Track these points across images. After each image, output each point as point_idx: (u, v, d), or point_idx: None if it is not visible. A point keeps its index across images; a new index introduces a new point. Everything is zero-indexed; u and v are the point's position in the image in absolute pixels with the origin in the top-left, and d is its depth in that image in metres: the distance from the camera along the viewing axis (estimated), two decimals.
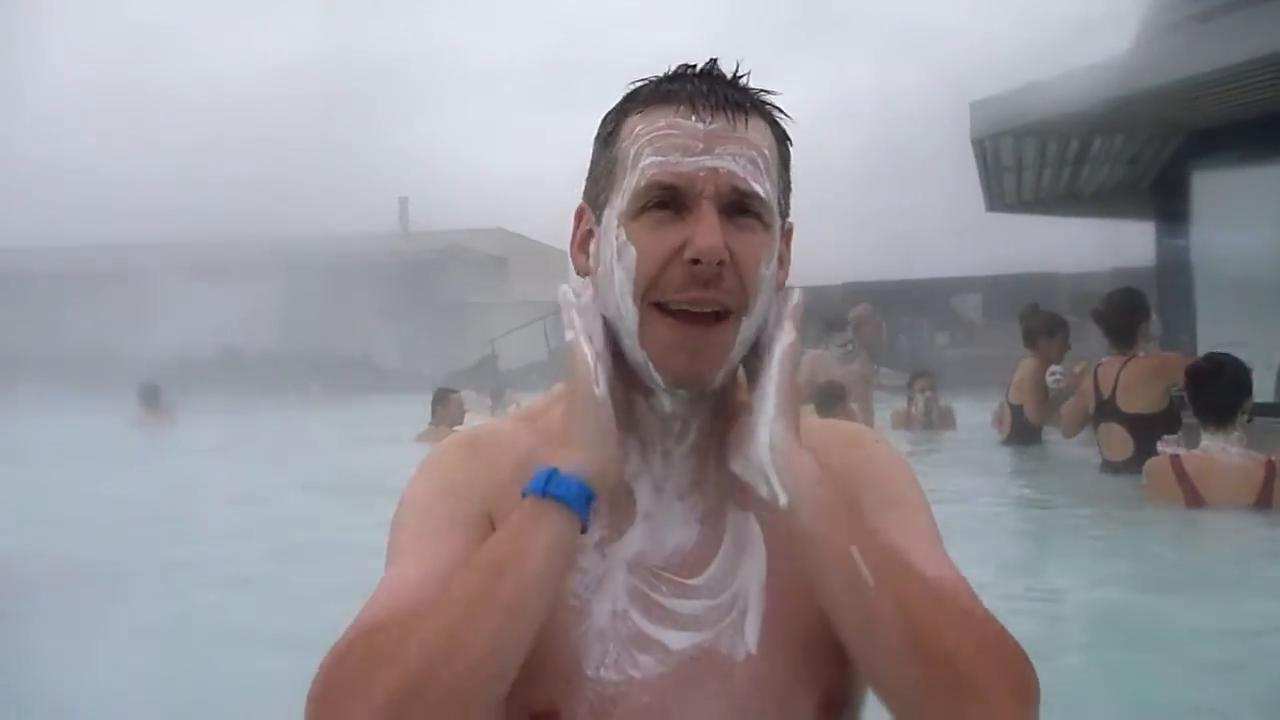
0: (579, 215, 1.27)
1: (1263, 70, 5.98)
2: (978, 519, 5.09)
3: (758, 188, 1.15)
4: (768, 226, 1.18)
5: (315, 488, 6.72)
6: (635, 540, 1.20)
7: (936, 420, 9.23)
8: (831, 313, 9.45)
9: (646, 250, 1.15)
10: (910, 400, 9.53)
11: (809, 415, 1.39)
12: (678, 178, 1.14)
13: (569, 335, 1.18)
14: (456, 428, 8.40)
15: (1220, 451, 4.53)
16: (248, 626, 3.55)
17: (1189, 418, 5.10)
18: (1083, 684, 2.93)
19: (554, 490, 1.09)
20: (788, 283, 1.27)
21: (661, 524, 1.22)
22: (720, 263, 1.11)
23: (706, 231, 1.11)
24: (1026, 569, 4.43)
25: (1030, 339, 7.20)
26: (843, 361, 8.80)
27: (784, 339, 1.18)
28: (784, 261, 1.26)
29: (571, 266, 1.30)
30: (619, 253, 1.17)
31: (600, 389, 1.15)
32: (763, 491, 1.12)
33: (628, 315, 1.16)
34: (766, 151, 1.18)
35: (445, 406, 9.39)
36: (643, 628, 1.17)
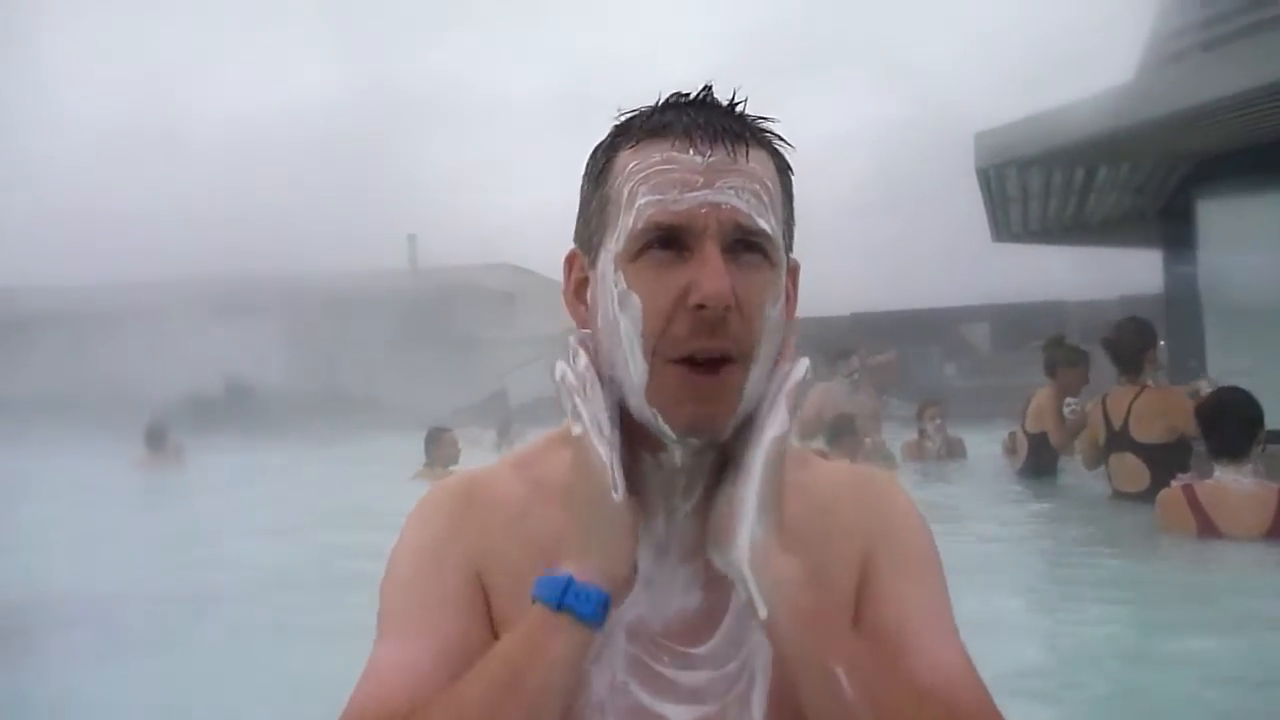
0: (570, 261, 1.19)
1: (1267, 98, 5.99)
2: (991, 549, 5.05)
3: (763, 224, 1.07)
4: (774, 264, 1.09)
5: (323, 524, 6.72)
6: (635, 607, 1.12)
7: (946, 450, 9.18)
8: (838, 343, 9.46)
9: (651, 298, 1.06)
10: (921, 431, 9.48)
11: (815, 452, 1.35)
12: (677, 216, 1.05)
13: (576, 430, 1.09)
14: (451, 467, 8.36)
15: (1233, 481, 4.51)
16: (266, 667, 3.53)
17: (1199, 446, 5.08)
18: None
19: (571, 603, 1.03)
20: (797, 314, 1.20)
21: (663, 589, 1.14)
22: (726, 307, 1.03)
23: (711, 275, 1.03)
24: (1042, 602, 4.39)
25: (1051, 369, 7.19)
26: (850, 392, 8.80)
27: (772, 428, 1.09)
28: (790, 299, 1.17)
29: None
30: (621, 302, 1.08)
31: (619, 494, 1.07)
32: (743, 596, 1.06)
33: (636, 372, 1.08)
34: (769, 184, 1.10)
35: (439, 446, 9.21)
36: (643, 701, 1.11)
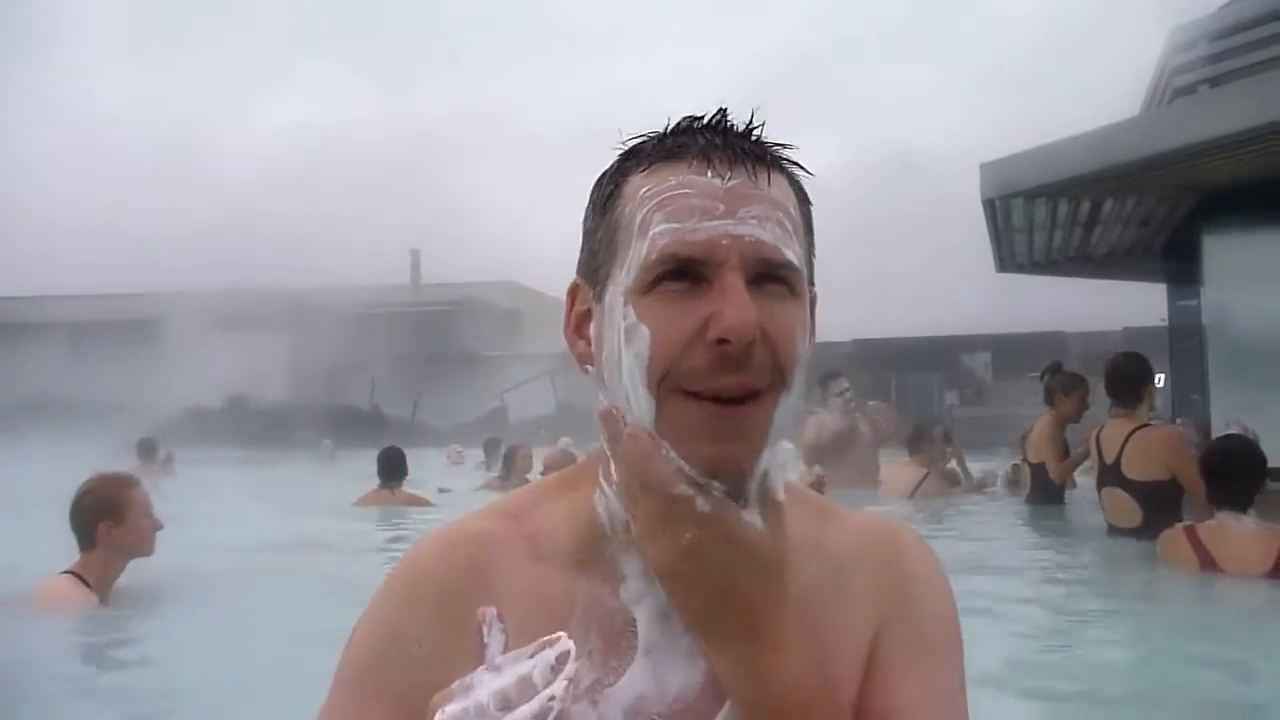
0: (572, 293, 1.09)
1: (1274, 134, 5.99)
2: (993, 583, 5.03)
3: (790, 255, 0.99)
4: (798, 295, 1.01)
5: (316, 537, 6.69)
6: (635, 682, 1.00)
7: (971, 483, 9.15)
8: (826, 366, 9.51)
9: (662, 330, 0.96)
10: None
11: (833, 505, 1.24)
12: (696, 248, 0.96)
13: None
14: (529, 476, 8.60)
15: (1235, 522, 4.50)
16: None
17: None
18: None
19: None
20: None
21: (665, 660, 1.00)
22: (752, 341, 0.94)
23: (736, 306, 0.93)
24: (1043, 634, 4.36)
25: (1049, 396, 7.21)
26: (844, 414, 8.82)
27: None
28: (810, 332, 1.07)
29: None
30: (627, 335, 0.98)
31: None
32: None
33: (640, 406, 0.98)
34: (793, 211, 1.02)
35: (514, 460, 9.58)
36: None
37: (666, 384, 0.96)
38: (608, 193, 1.05)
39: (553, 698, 0.83)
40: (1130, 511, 5.59)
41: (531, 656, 0.85)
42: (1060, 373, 7.43)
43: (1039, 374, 7.70)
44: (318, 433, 18.77)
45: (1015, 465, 8.37)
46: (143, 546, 4.36)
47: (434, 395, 27.80)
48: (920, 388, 25.06)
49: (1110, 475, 5.80)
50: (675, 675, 1.00)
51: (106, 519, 4.24)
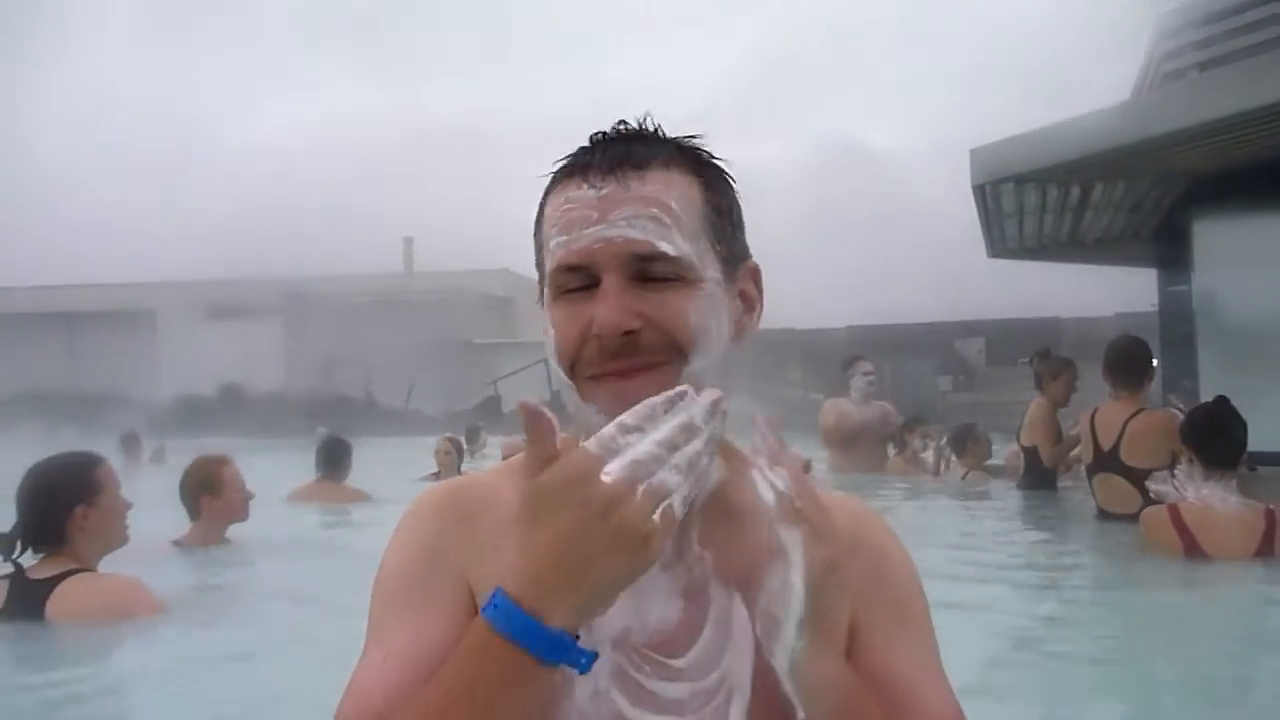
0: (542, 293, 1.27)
1: (1264, 119, 6.00)
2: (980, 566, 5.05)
3: (664, 247, 1.11)
4: (690, 281, 1.13)
5: (309, 525, 6.70)
6: (620, 617, 1.11)
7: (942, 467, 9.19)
8: (841, 353, 9.54)
9: (561, 331, 1.15)
10: (904, 446, 9.50)
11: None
12: (578, 255, 1.12)
13: (680, 509, 0.98)
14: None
15: (1220, 501, 4.48)
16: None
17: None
18: None
19: (570, 660, 0.97)
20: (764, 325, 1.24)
21: (645, 597, 1.12)
22: (627, 332, 1.09)
23: (606, 307, 1.09)
24: (1029, 616, 4.38)
25: (1038, 381, 7.25)
26: (862, 402, 8.86)
27: (794, 553, 1.04)
28: (751, 302, 1.23)
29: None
30: (547, 335, 1.17)
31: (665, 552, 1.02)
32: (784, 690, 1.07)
33: (567, 391, 1.17)
34: (674, 204, 1.13)
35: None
36: (624, 710, 1.10)
37: (577, 373, 1.15)
38: (536, 217, 1.22)
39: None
40: (1128, 497, 5.59)
41: (666, 412, 1.00)
42: (1048, 357, 7.46)
43: (1028, 359, 7.73)
44: (311, 421, 18.76)
45: (1014, 449, 8.38)
46: (238, 514, 5.15)
47: (428, 383, 27.79)
48: (914, 374, 25.08)
49: (1106, 461, 5.81)
50: (654, 611, 1.13)
51: (207, 493, 5.03)
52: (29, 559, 3.57)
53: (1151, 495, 4.69)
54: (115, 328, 32.70)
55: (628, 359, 1.11)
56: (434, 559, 1.16)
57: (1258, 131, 6.20)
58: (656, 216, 1.12)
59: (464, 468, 9.33)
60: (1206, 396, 6.17)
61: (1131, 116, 6.83)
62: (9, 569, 3.53)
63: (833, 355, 9.53)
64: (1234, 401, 4.77)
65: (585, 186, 1.13)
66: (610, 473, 0.96)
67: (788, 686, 1.06)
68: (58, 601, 3.43)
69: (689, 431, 0.99)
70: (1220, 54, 7.42)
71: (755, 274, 1.24)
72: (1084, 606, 4.52)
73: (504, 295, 36.74)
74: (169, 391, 24.01)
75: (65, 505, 3.56)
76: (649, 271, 1.11)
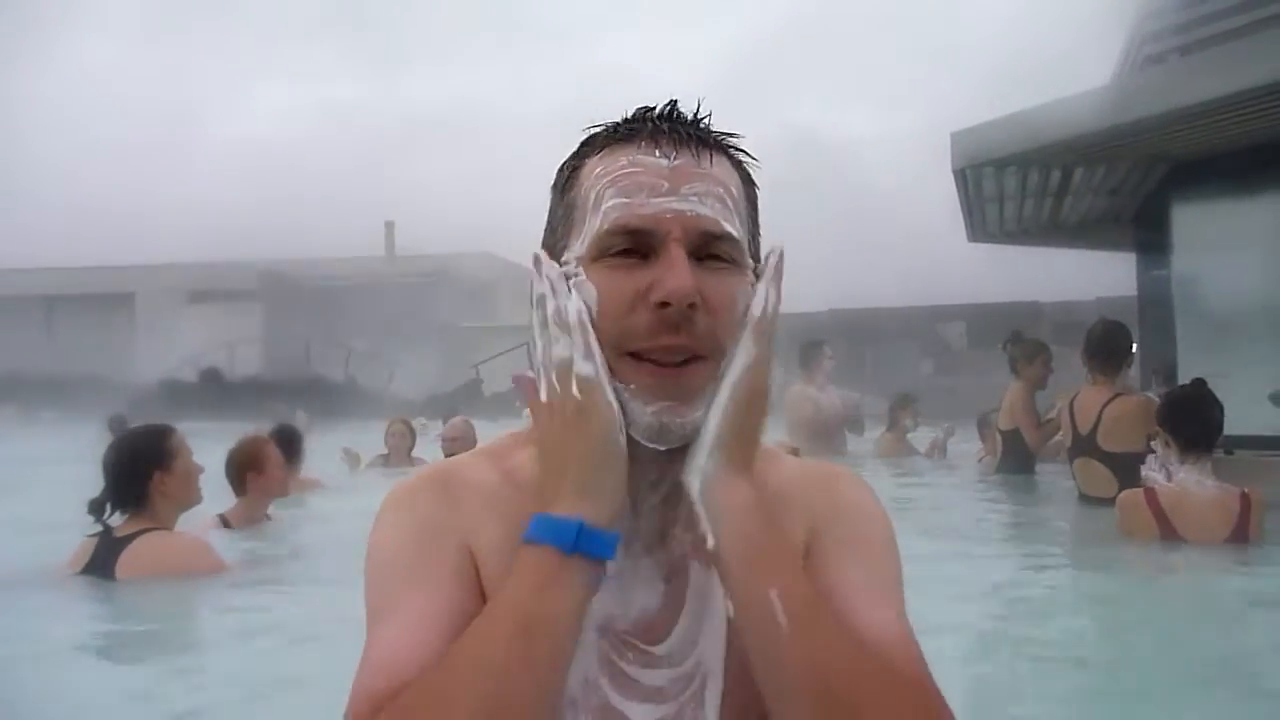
0: (537, 264, 1.16)
1: (1244, 103, 6.01)
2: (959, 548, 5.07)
3: (729, 229, 1.10)
4: (740, 268, 1.11)
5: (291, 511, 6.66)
6: (605, 602, 1.11)
7: (941, 450, 9.24)
8: (806, 335, 9.56)
9: (608, 292, 1.08)
10: (894, 425, 9.54)
11: (778, 451, 1.32)
12: (644, 220, 1.07)
13: (586, 369, 1.06)
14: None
15: (1196, 484, 4.50)
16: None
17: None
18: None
19: (587, 546, 1.02)
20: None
21: (629, 583, 1.14)
22: (691, 305, 1.04)
23: (676, 273, 1.04)
24: (1008, 601, 4.40)
25: (1013, 365, 7.27)
26: (825, 383, 8.89)
27: (741, 357, 1.09)
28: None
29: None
30: (577, 290, 1.10)
31: (624, 439, 1.07)
32: (700, 529, 1.06)
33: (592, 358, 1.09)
34: (735, 191, 1.13)
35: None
36: (611, 700, 1.11)
37: (615, 346, 1.07)
38: (566, 175, 1.16)
39: None
40: (1106, 482, 5.63)
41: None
42: (1022, 341, 7.48)
43: (1002, 343, 7.75)
44: (292, 405, 18.66)
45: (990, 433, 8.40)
46: (280, 490, 5.59)
47: (409, 367, 27.69)
48: (896, 357, 25.15)
49: (1085, 445, 5.84)
50: (637, 597, 1.14)
51: (251, 470, 5.37)
52: (116, 520, 4.06)
53: (1142, 480, 4.69)
54: (94, 311, 32.48)
55: (684, 336, 1.05)
56: (434, 533, 1.15)
57: (1238, 116, 6.22)
58: (723, 198, 1.11)
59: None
60: (1185, 380, 6.21)
61: (1112, 101, 6.83)
62: (98, 529, 4.04)
63: (814, 339, 9.52)
64: (1212, 385, 4.78)
65: (656, 154, 1.10)
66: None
67: (699, 510, 1.06)
68: (129, 556, 3.93)
69: (542, 302, 1.10)
70: (1201, 38, 7.43)
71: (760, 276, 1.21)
72: (1062, 591, 4.54)
73: (486, 279, 36.61)
74: (149, 375, 23.87)
75: (144, 471, 4.08)
76: (711, 250, 1.09)
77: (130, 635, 3.67)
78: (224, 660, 3.44)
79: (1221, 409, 4.65)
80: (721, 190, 1.11)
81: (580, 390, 1.06)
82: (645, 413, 1.07)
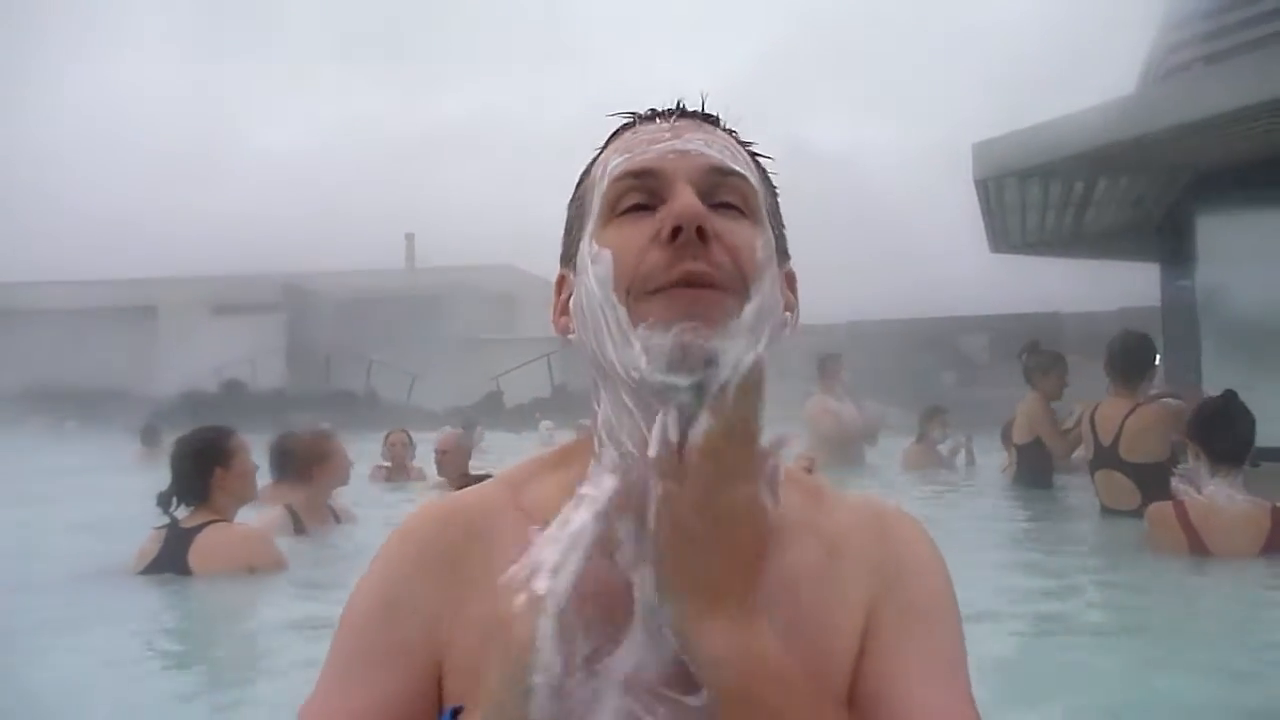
0: (559, 284, 1.15)
1: (1268, 113, 5.98)
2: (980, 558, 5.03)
3: (738, 167, 1.07)
4: (755, 218, 1.07)
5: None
6: (633, 651, 0.95)
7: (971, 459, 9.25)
8: (822, 348, 9.57)
9: (621, 245, 1.03)
10: (920, 437, 9.50)
11: (826, 486, 1.21)
12: (647, 161, 1.05)
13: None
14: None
15: (1226, 498, 4.44)
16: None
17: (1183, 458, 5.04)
18: None
19: None
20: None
21: (661, 628, 0.95)
22: (701, 230, 0.98)
23: (683, 200, 1.00)
24: (1030, 612, 4.36)
25: (1028, 376, 7.22)
26: (840, 399, 8.89)
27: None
28: (790, 307, 1.12)
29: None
30: (593, 260, 1.05)
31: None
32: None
33: (610, 315, 1.01)
34: (752, 179, 1.09)
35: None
36: None
37: (633, 291, 1.00)
38: (580, 179, 1.16)
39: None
40: (1128, 493, 5.59)
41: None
42: (1037, 351, 7.43)
43: (1018, 354, 7.70)
44: (314, 416, 18.72)
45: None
46: (344, 479, 5.89)
47: (429, 379, 27.74)
48: (918, 369, 25.05)
49: (1106, 457, 5.79)
50: (667, 639, 0.95)
51: (319, 463, 5.67)
52: (181, 513, 4.38)
53: (1173, 492, 4.64)
54: (118, 323, 32.68)
55: (703, 263, 0.99)
56: (401, 611, 1.08)
57: (1262, 125, 6.19)
58: (730, 148, 1.09)
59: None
60: (1210, 392, 6.16)
61: (1136, 111, 6.81)
62: (165, 521, 4.36)
63: (834, 351, 9.51)
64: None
65: (657, 121, 1.11)
66: None
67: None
68: (199, 548, 4.24)
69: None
70: (1225, 48, 7.38)
71: (791, 279, 1.16)
72: (1085, 607, 4.50)
73: (507, 291, 36.67)
74: (172, 387, 23.99)
75: (206, 468, 4.39)
76: (720, 191, 1.04)
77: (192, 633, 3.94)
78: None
79: (1253, 421, 4.59)
80: (728, 145, 1.09)
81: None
82: (665, 339, 0.96)
